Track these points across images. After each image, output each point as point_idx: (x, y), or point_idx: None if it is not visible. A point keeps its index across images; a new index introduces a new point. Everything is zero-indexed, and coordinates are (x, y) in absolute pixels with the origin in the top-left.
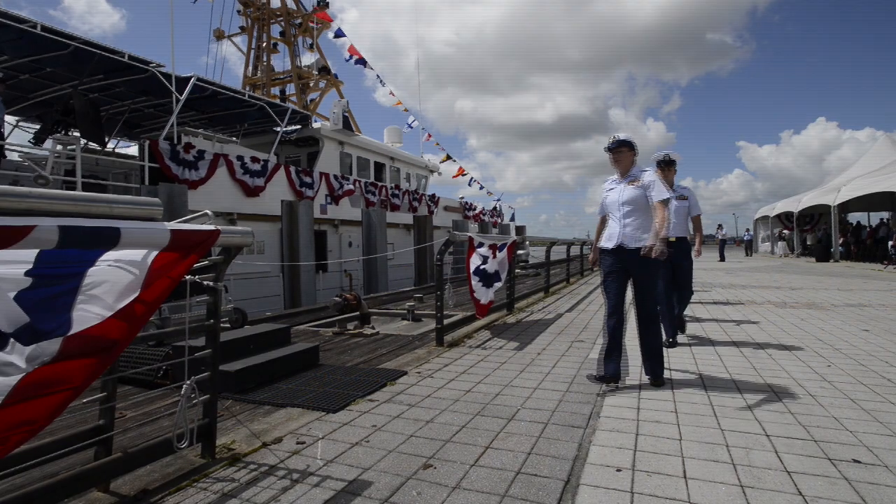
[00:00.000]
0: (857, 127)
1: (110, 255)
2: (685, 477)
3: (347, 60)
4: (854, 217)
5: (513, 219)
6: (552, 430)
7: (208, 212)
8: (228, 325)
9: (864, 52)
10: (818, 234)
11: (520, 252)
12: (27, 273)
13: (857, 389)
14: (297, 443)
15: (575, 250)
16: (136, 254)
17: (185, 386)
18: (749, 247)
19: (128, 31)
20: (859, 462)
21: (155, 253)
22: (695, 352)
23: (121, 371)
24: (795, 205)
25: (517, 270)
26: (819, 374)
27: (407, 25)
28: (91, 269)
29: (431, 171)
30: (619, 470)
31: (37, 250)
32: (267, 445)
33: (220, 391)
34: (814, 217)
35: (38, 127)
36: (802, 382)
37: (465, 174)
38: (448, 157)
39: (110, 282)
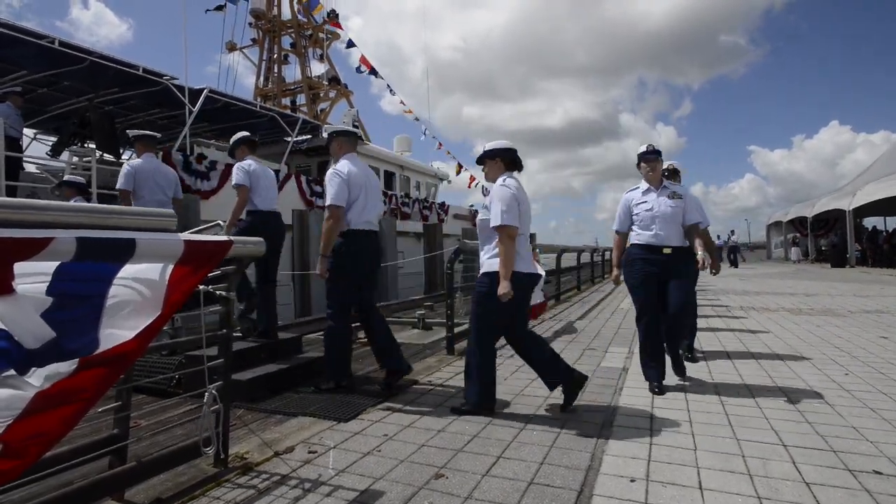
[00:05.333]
0: (871, 130)
1: (129, 272)
2: (701, 488)
3: (360, 72)
4: (870, 222)
5: None
6: (564, 439)
7: (220, 222)
8: (240, 335)
9: (879, 53)
10: (833, 238)
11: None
12: (48, 292)
13: (877, 398)
14: (309, 452)
15: (585, 257)
16: (154, 270)
17: (207, 394)
18: (734, 252)
19: (135, 42)
20: (880, 473)
21: (171, 267)
22: (709, 359)
23: (135, 380)
24: (809, 209)
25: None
26: (836, 382)
27: (412, 32)
28: (112, 288)
29: (441, 180)
30: (633, 480)
31: (55, 265)
32: (279, 455)
33: (232, 400)
34: (828, 222)
35: (55, 139)
36: (820, 391)
37: (476, 183)
38: (461, 168)
39: (133, 301)
